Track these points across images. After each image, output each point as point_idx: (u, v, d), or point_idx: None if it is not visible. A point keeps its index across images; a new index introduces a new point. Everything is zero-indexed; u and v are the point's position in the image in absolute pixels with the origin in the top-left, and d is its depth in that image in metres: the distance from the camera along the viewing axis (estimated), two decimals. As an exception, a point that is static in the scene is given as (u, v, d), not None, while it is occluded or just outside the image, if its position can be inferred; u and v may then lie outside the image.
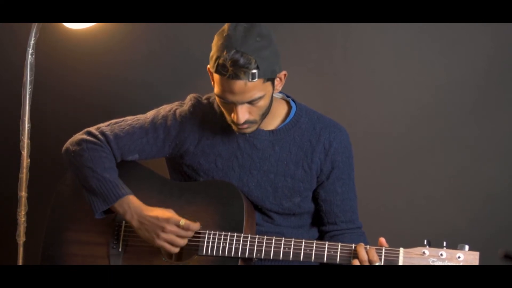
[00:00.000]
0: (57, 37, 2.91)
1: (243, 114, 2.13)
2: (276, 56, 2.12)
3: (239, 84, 2.07)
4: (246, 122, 2.15)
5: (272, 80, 2.13)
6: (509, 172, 2.82)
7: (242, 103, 2.11)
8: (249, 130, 2.19)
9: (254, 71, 2.05)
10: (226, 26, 2.11)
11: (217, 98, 2.17)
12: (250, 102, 2.11)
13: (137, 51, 3.00)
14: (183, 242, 2.16)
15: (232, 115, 2.14)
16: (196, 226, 2.16)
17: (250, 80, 2.06)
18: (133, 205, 2.18)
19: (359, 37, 2.88)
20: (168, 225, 2.14)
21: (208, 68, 2.16)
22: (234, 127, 2.19)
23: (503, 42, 2.77)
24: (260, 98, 2.11)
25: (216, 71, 2.08)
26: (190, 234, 2.16)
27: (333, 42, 2.90)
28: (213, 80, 2.17)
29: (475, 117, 2.82)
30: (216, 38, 2.12)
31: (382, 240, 2.07)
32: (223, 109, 2.19)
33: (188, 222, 2.15)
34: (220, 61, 2.06)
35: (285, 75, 2.18)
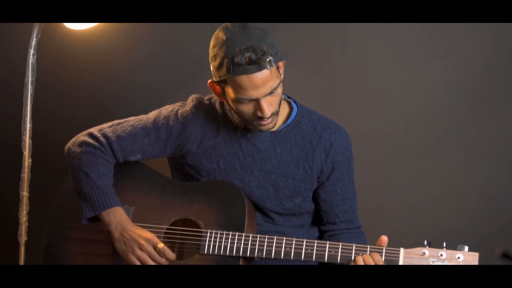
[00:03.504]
0: (58, 38, 2.91)
1: (268, 106, 2.13)
2: (274, 43, 2.13)
3: (263, 74, 2.07)
4: (271, 114, 2.15)
5: (277, 67, 2.14)
6: (507, 172, 2.83)
7: (265, 95, 2.11)
8: (272, 124, 2.19)
9: (270, 58, 2.06)
10: (219, 33, 2.11)
11: (233, 105, 2.16)
12: (271, 92, 2.12)
13: (138, 51, 3.00)
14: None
15: (257, 112, 2.14)
16: (171, 256, 2.17)
17: (269, 67, 2.06)
18: (119, 217, 2.19)
19: (358, 37, 2.88)
20: (146, 244, 2.16)
21: (210, 83, 2.17)
22: (257, 126, 2.19)
23: (501, 42, 2.77)
24: (278, 84, 2.13)
25: (235, 73, 2.06)
26: (163, 261, 2.17)
27: (332, 42, 2.90)
28: (217, 91, 2.18)
29: (474, 117, 2.82)
30: (215, 49, 2.11)
31: (384, 238, 2.08)
32: (241, 112, 2.17)
33: (165, 248, 2.16)
34: (236, 61, 2.05)
35: (283, 62, 2.19)
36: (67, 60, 3.02)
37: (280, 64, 2.17)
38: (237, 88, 2.10)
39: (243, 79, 2.07)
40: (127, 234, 2.17)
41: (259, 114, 2.14)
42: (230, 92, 2.13)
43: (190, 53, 2.97)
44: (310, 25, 2.84)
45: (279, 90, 2.15)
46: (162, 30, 2.94)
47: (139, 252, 2.16)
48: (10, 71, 3.02)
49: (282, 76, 2.18)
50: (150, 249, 2.16)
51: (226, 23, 2.13)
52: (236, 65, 2.06)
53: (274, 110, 2.16)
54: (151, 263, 2.16)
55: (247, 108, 2.15)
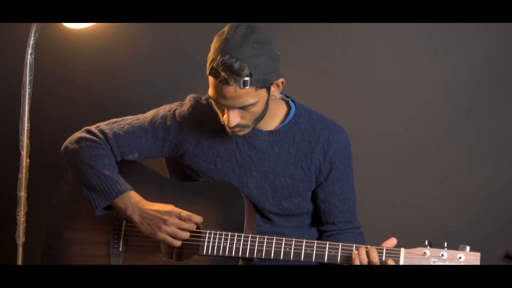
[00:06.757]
0: (56, 37, 2.91)
1: (234, 118, 2.12)
2: (273, 63, 2.09)
3: (229, 89, 2.06)
4: (237, 125, 2.14)
5: (267, 87, 2.12)
6: (508, 172, 2.83)
7: (234, 108, 2.10)
8: (241, 133, 2.18)
9: (246, 78, 2.04)
10: (226, 28, 2.10)
11: (211, 100, 2.17)
12: (242, 108, 2.11)
13: (137, 51, 3.00)
14: (185, 234, 2.15)
15: (224, 117, 2.14)
16: (198, 218, 2.16)
17: (241, 87, 2.04)
18: (134, 200, 2.18)
19: (358, 37, 2.88)
20: (169, 217, 2.15)
21: None
22: (227, 128, 2.18)
23: (502, 42, 2.77)
24: (252, 104, 2.10)
25: (209, 73, 2.08)
26: (192, 226, 2.16)
27: (332, 42, 2.90)
28: None
29: (474, 117, 2.82)
30: (215, 40, 2.11)
31: (393, 239, 2.07)
32: (217, 110, 2.18)
33: (189, 213, 2.15)
34: (214, 65, 2.05)
35: (282, 82, 2.16)
36: (66, 60, 3.02)
37: (280, 84, 2.14)
38: (211, 87, 2.11)
39: (215, 83, 2.08)
40: (147, 214, 2.16)
41: (225, 120, 2.14)
42: (210, 87, 2.14)
43: (190, 53, 2.97)
44: (310, 25, 2.83)
45: (255, 109, 2.12)
46: (161, 30, 2.93)
47: (166, 228, 2.14)
48: (8, 71, 3.02)
49: (271, 96, 2.14)
50: (176, 220, 2.15)
51: (239, 24, 2.09)
52: (212, 68, 2.06)
53: (244, 123, 2.14)
54: (182, 233, 2.15)
55: (220, 109, 2.16)
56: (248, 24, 2.09)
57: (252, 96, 2.08)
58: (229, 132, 2.19)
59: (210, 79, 2.09)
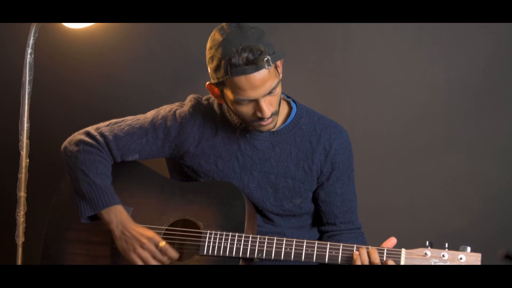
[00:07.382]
0: (56, 37, 2.91)
1: (268, 107, 2.12)
2: (270, 41, 2.12)
3: (261, 74, 2.06)
4: (271, 114, 2.14)
5: (276, 66, 2.13)
6: (509, 172, 2.83)
7: (265, 95, 2.10)
8: (272, 125, 2.18)
9: (267, 57, 2.05)
10: (216, 34, 2.10)
11: (232, 106, 2.15)
12: (270, 92, 2.10)
13: (136, 51, 3.00)
14: (155, 263, 2.14)
15: (257, 113, 2.13)
16: (174, 254, 2.15)
17: (267, 67, 2.05)
18: (120, 215, 2.18)
19: (358, 37, 2.88)
20: (148, 242, 2.14)
21: (208, 85, 2.16)
22: (257, 127, 2.17)
23: (502, 42, 2.77)
24: (277, 85, 2.11)
25: (233, 74, 2.05)
26: (166, 260, 2.15)
27: (333, 42, 2.90)
28: (216, 93, 2.17)
29: (475, 117, 2.83)
30: (212, 48, 2.10)
31: (393, 239, 2.06)
32: (240, 114, 2.16)
33: (167, 246, 2.14)
34: (233, 62, 2.04)
35: (281, 61, 2.18)
36: (65, 59, 3.02)
37: (279, 63, 2.16)
38: (236, 89, 2.09)
39: (241, 80, 2.06)
40: (128, 232, 2.16)
41: (259, 114, 2.13)
42: (228, 93, 2.12)
43: (190, 53, 2.97)
44: (310, 25, 2.84)
45: (278, 90, 2.14)
46: (161, 29, 2.93)
47: (140, 251, 2.14)
48: (8, 71, 3.02)
49: (281, 75, 2.17)
50: (152, 247, 2.14)
51: (222, 24, 2.12)
52: (234, 66, 2.05)
53: (274, 110, 2.15)
54: (153, 262, 2.14)
55: (247, 109, 2.14)
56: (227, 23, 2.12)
57: (274, 75, 2.10)
58: (262, 130, 2.18)
59: (232, 82, 2.07)
